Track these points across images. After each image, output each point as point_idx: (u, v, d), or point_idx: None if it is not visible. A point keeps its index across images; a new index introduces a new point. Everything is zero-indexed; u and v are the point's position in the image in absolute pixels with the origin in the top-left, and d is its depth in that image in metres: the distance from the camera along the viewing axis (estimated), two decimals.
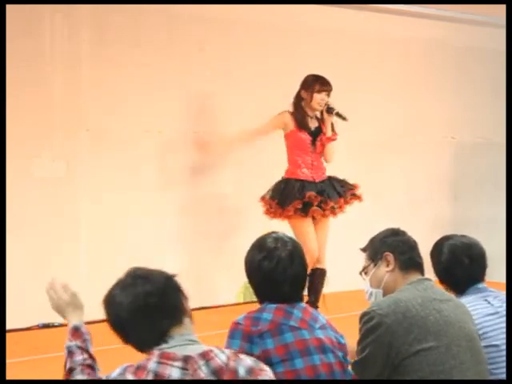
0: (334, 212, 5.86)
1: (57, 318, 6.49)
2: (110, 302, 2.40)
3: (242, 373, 2.23)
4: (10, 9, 5.29)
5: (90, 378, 2.41)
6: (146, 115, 6.64)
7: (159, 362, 2.19)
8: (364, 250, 3.15)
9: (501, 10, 6.47)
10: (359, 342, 2.82)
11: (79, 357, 2.47)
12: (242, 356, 2.31)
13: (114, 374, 2.21)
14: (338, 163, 7.52)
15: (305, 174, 5.88)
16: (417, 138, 8.26)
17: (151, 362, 2.19)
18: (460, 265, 3.29)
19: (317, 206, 5.76)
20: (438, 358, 2.71)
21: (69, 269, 6.24)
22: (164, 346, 2.25)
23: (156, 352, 2.23)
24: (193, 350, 2.23)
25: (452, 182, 8.56)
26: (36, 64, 6.15)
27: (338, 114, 5.92)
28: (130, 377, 2.17)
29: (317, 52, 7.44)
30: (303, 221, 5.73)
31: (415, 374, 2.69)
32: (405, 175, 8.20)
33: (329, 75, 7.47)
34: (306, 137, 5.90)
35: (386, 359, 2.72)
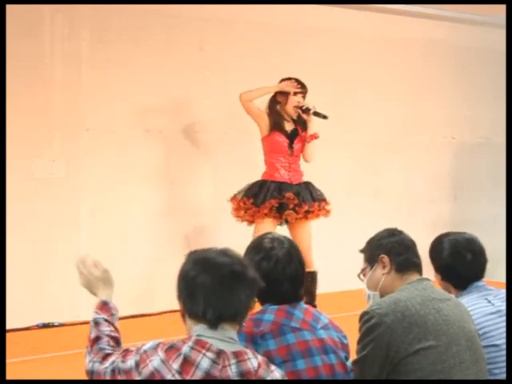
0: (306, 216, 5.80)
1: (56, 318, 6.50)
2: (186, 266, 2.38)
3: None
4: (10, 9, 5.29)
5: (113, 350, 2.41)
6: (146, 115, 6.65)
7: (193, 348, 2.22)
8: (362, 251, 3.15)
9: (501, 9, 6.48)
10: (359, 342, 2.82)
11: (106, 328, 2.48)
12: (273, 368, 2.33)
13: (146, 347, 2.25)
14: (338, 163, 7.55)
15: (282, 176, 5.82)
16: (417, 138, 8.26)
17: (186, 346, 2.23)
18: (462, 260, 3.25)
19: (291, 209, 5.73)
20: (438, 357, 2.71)
21: (69, 269, 6.23)
22: (203, 333, 2.27)
23: (193, 338, 2.26)
24: (228, 347, 2.26)
25: (452, 182, 8.57)
26: (36, 64, 6.16)
27: (316, 113, 5.83)
28: (161, 354, 2.21)
29: (317, 52, 7.44)
30: (268, 224, 5.65)
31: (415, 373, 2.69)
32: (405, 175, 8.21)
33: (329, 75, 7.51)
34: (282, 139, 5.84)
35: (385, 358, 2.72)
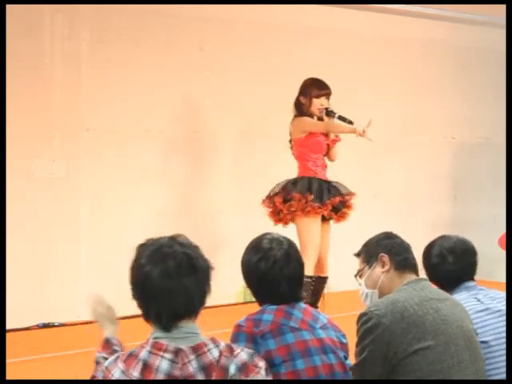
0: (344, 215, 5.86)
1: (56, 318, 6.50)
2: (140, 256, 2.38)
3: (232, 371, 2.24)
4: (10, 9, 5.29)
5: None
6: (146, 115, 6.65)
7: (150, 352, 2.22)
8: (358, 254, 3.16)
9: (501, 9, 6.47)
10: (357, 344, 2.81)
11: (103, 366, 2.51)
12: (238, 351, 2.31)
13: (107, 363, 2.27)
14: (337, 163, 7.54)
15: (322, 174, 5.85)
16: (417, 138, 8.26)
17: (144, 351, 2.23)
18: (444, 263, 3.31)
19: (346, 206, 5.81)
20: (437, 357, 2.70)
21: (69, 269, 6.25)
22: (160, 335, 2.27)
23: (151, 341, 2.26)
24: (186, 343, 2.25)
25: (452, 182, 8.57)
26: (36, 64, 6.16)
27: (342, 118, 5.85)
28: (120, 365, 2.21)
29: (317, 52, 7.44)
30: (316, 220, 5.69)
31: (414, 373, 2.69)
32: (405, 175, 8.21)
33: (328, 75, 7.47)
34: (321, 139, 5.85)
35: (384, 359, 2.72)
